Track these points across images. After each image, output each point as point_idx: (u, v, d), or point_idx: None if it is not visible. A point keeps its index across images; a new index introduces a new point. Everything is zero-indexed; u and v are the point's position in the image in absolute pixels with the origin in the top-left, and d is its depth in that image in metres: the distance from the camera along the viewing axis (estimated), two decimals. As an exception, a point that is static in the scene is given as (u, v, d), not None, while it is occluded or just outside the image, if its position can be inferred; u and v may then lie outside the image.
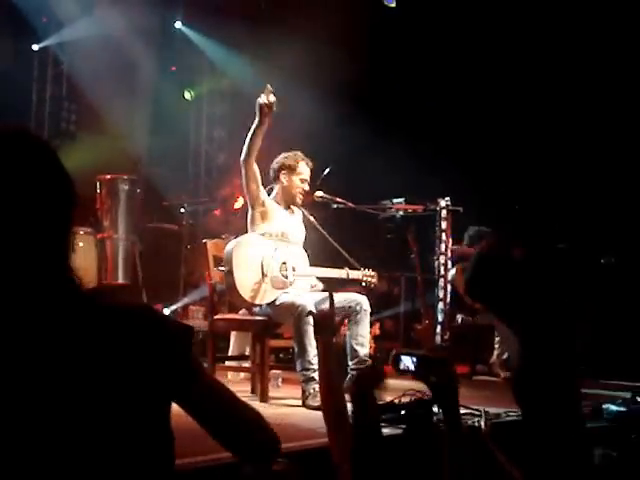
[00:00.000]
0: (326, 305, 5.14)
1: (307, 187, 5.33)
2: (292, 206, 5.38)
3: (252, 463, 1.71)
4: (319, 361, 2.89)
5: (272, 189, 5.40)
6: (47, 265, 1.40)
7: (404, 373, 2.38)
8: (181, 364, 1.51)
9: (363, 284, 5.38)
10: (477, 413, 4.44)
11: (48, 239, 1.41)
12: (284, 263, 5.15)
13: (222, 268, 5.16)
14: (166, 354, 1.48)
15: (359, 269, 5.36)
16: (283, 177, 5.30)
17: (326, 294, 5.20)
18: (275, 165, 5.34)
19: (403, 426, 3.92)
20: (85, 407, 1.37)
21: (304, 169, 5.30)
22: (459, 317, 7.31)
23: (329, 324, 2.79)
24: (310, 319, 4.80)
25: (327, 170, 5.76)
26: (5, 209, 1.35)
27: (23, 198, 1.37)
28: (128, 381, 1.42)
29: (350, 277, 5.30)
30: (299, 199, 5.34)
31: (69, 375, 1.36)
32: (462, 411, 4.45)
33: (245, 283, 5.04)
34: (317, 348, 2.88)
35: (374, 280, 5.43)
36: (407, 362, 2.39)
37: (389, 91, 8.68)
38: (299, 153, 5.33)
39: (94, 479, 1.37)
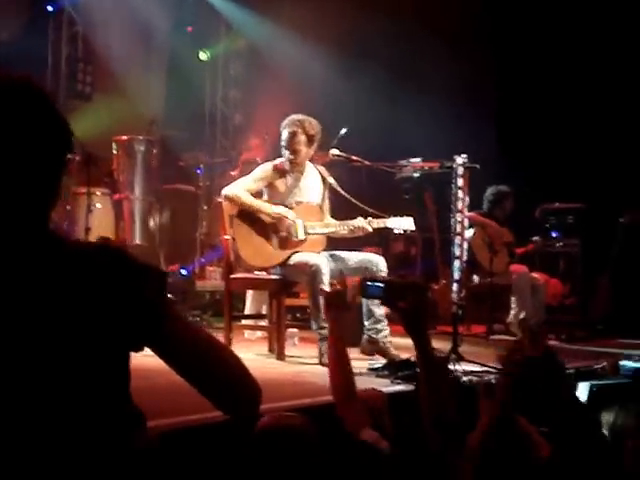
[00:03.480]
0: (340, 266, 5.14)
1: (286, 153, 5.22)
2: (304, 167, 5.34)
3: (231, 413, 1.65)
4: (328, 335, 2.81)
5: None
6: (24, 208, 1.43)
7: (372, 298, 2.36)
8: (147, 307, 1.48)
9: (396, 232, 5.27)
10: (493, 371, 4.46)
11: (32, 183, 1.43)
12: (293, 222, 5.15)
13: (227, 237, 5.26)
14: (131, 296, 1.47)
15: (385, 217, 5.21)
16: None
17: (339, 253, 5.19)
18: None
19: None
20: (44, 344, 1.37)
21: (283, 135, 5.22)
22: (475, 278, 7.30)
23: (338, 300, 2.71)
24: (325, 278, 4.81)
25: (344, 131, 5.70)
26: None
27: (14, 142, 1.41)
28: (89, 320, 1.42)
29: (375, 227, 5.18)
30: (293, 161, 5.23)
31: (30, 312, 1.37)
32: (479, 369, 4.50)
33: (249, 248, 5.11)
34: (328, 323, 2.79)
35: (408, 225, 5.23)
36: (374, 289, 2.37)
37: (405, 48, 8.58)
38: (288, 119, 5.25)
39: (47, 415, 1.38)
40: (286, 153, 5.23)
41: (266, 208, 5.16)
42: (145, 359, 1.61)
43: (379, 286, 2.37)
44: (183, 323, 1.58)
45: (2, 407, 1.35)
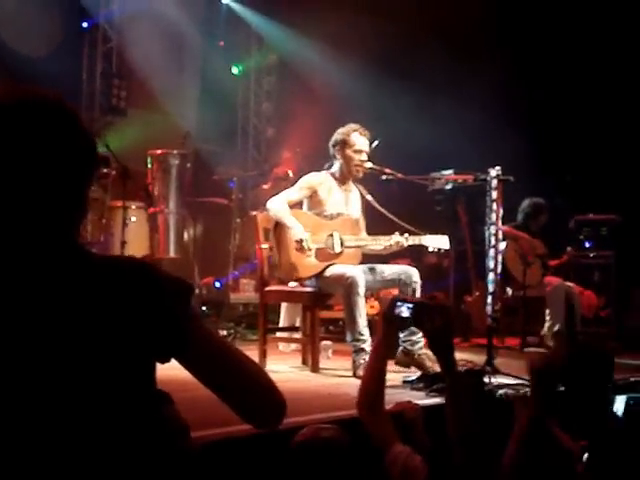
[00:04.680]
0: (375, 278, 5.15)
1: (364, 157, 5.28)
2: (349, 182, 5.38)
3: (255, 424, 1.65)
4: (374, 348, 2.83)
5: (331, 165, 5.41)
6: (50, 222, 1.45)
7: (400, 319, 2.41)
8: (172, 319, 1.49)
9: (430, 249, 5.27)
10: (528, 384, 4.43)
11: (57, 197, 1.45)
12: (330, 235, 5.17)
13: (264, 246, 5.31)
14: (156, 308, 1.47)
15: (421, 234, 5.23)
16: (337, 153, 5.30)
17: (373, 265, 5.20)
18: (330, 143, 5.34)
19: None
20: (69, 356, 1.39)
21: (357, 139, 5.27)
22: (509, 290, 7.27)
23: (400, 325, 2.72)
24: (361, 290, 4.82)
25: (375, 142, 5.71)
26: (21, 166, 1.42)
27: (39, 157, 1.43)
28: (114, 331, 1.43)
29: (410, 244, 5.21)
30: (357, 171, 5.31)
31: (55, 324, 1.39)
32: (514, 381, 4.48)
33: (286, 257, 5.12)
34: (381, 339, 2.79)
35: (443, 244, 5.25)
36: (403, 309, 2.42)
37: (435, 60, 8.58)
38: (352, 125, 5.30)
39: (71, 425, 1.39)
40: (359, 157, 5.25)
41: (294, 232, 5.13)
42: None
43: (409, 306, 2.41)
44: (208, 335, 1.58)
45: (30, 417, 1.37)
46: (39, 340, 1.38)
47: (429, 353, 4.96)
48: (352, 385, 4.47)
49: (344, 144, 5.26)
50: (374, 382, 2.60)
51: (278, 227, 5.20)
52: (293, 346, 6.04)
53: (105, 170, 7.02)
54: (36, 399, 1.38)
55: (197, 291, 7.56)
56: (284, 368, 5.24)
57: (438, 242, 5.25)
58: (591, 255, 8.16)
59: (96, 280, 1.44)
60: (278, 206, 5.18)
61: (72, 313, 1.40)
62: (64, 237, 1.47)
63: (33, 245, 1.43)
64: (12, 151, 1.42)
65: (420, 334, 4.99)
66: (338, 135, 5.30)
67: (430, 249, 5.29)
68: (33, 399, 1.38)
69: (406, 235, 5.19)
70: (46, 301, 1.40)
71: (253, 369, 1.60)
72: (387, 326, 2.67)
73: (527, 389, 4.28)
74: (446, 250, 5.36)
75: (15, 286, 1.40)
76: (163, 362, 1.53)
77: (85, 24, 9.10)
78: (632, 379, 4.85)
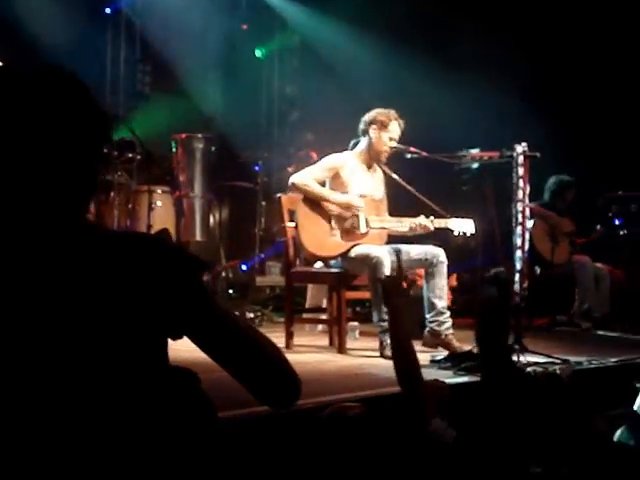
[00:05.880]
0: (401, 258, 5.12)
1: (394, 145, 5.26)
2: (372, 163, 5.34)
3: (269, 404, 1.61)
4: (389, 325, 2.87)
5: (357, 143, 5.36)
6: (59, 197, 1.42)
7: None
8: (184, 295, 1.47)
9: (455, 233, 5.28)
10: (558, 362, 4.42)
11: (67, 172, 1.43)
12: (356, 215, 5.15)
13: (290, 224, 5.26)
14: (167, 283, 1.45)
15: (447, 217, 5.26)
16: (372, 132, 5.24)
17: (399, 245, 5.18)
18: (366, 118, 5.27)
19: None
20: (80, 330, 1.38)
21: (395, 128, 5.24)
22: (537, 269, 7.21)
23: (398, 288, 2.79)
24: (386, 270, 4.80)
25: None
26: (30, 140, 1.40)
27: (51, 130, 1.41)
28: (123, 307, 1.41)
29: (436, 226, 5.21)
30: (384, 157, 5.29)
31: (67, 299, 1.38)
32: (543, 360, 4.46)
33: (311, 237, 5.12)
34: (387, 313, 2.86)
35: (469, 228, 5.29)
36: (492, 290, 2.44)
37: (461, 38, 8.50)
38: (393, 112, 5.26)
39: (84, 405, 1.38)
40: (391, 144, 5.22)
41: (334, 197, 5.14)
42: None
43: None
44: (220, 312, 1.54)
45: (43, 398, 1.36)
46: (47, 317, 1.37)
47: (455, 333, 4.96)
48: (379, 365, 4.48)
49: (382, 126, 5.21)
50: (405, 357, 2.61)
51: (300, 208, 5.16)
52: (320, 327, 6.04)
53: (130, 155, 7.03)
54: (47, 378, 1.37)
55: (223, 274, 7.58)
56: (311, 349, 5.25)
57: (464, 226, 5.25)
58: (621, 232, 8.07)
59: (104, 254, 1.42)
60: (307, 180, 5.15)
61: (79, 288, 1.39)
62: (71, 211, 1.45)
63: (39, 219, 1.41)
64: (24, 119, 1.40)
65: (447, 314, 4.99)
66: (378, 115, 5.23)
67: (455, 233, 5.29)
68: (44, 379, 1.37)
69: (432, 218, 5.17)
70: (53, 277, 1.38)
71: (267, 347, 1.57)
72: (390, 296, 2.73)
73: (556, 367, 4.27)
74: (472, 234, 5.35)
75: (21, 262, 1.38)
76: (174, 339, 1.51)
77: (108, 10, 9.12)
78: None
